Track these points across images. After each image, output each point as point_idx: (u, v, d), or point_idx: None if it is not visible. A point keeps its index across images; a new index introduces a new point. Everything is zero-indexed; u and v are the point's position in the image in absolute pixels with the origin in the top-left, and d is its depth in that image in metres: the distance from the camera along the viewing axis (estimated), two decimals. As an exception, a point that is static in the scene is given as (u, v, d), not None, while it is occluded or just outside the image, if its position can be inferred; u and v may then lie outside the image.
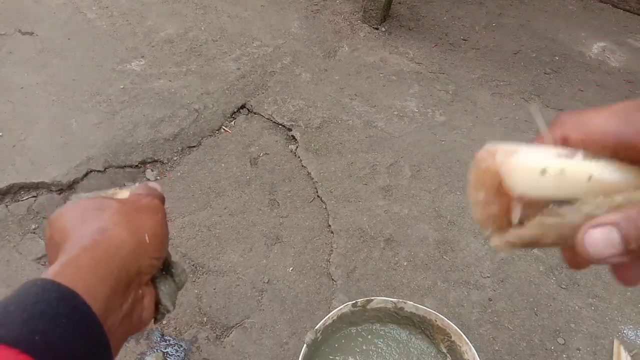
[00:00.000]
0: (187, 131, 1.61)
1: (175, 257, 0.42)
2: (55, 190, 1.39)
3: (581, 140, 0.24)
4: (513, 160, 0.22)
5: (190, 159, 1.54)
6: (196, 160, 1.53)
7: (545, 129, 0.24)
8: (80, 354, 0.27)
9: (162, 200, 0.41)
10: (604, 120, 0.23)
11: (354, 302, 0.98)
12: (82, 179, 1.43)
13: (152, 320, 0.39)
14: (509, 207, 0.23)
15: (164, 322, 1.16)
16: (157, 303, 0.38)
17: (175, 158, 1.53)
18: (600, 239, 0.24)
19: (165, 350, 1.12)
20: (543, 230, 0.23)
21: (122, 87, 1.73)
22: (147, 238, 0.34)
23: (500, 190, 0.23)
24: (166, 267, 0.40)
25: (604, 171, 0.22)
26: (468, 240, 1.39)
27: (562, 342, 1.19)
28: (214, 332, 1.16)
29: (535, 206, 0.23)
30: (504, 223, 0.24)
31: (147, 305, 0.35)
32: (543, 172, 0.22)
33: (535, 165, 0.22)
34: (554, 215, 0.22)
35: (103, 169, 1.46)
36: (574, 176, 0.22)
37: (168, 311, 0.39)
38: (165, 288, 0.39)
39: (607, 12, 2.46)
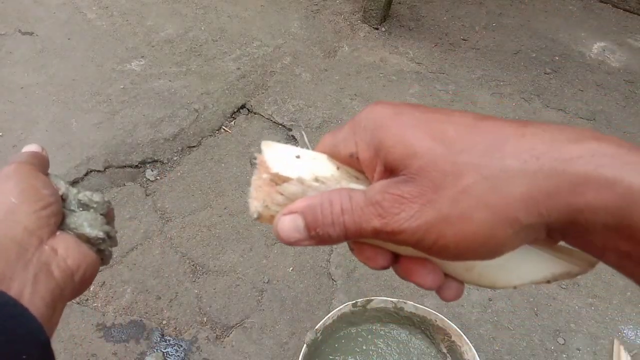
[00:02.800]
0: (187, 131, 1.61)
1: (86, 194, 0.39)
2: (55, 190, 1.39)
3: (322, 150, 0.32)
4: (272, 149, 0.30)
5: (190, 159, 1.54)
6: (196, 160, 1.53)
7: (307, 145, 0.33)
8: None
9: (28, 158, 0.37)
10: (324, 139, 0.31)
11: (354, 302, 0.98)
12: (82, 179, 1.43)
13: (99, 261, 0.37)
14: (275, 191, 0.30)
15: (165, 322, 1.17)
16: (88, 240, 0.35)
17: (175, 158, 1.53)
18: (288, 225, 0.28)
19: (165, 350, 1.12)
20: (287, 196, 0.29)
21: (122, 87, 1.73)
22: (14, 199, 0.32)
23: (270, 182, 0.30)
24: (69, 203, 0.37)
25: (326, 166, 0.30)
26: (468, 240, 1.38)
27: (562, 342, 1.19)
28: (214, 332, 1.16)
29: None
30: (265, 204, 0.30)
31: (65, 253, 0.33)
32: (297, 157, 0.30)
33: (291, 152, 0.30)
34: (294, 185, 0.29)
35: (103, 169, 1.46)
36: (310, 165, 0.30)
37: (101, 239, 0.36)
38: (75, 221, 0.35)
39: (607, 12, 2.46)
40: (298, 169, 0.29)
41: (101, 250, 0.37)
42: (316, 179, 0.29)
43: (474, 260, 0.25)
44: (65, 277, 0.32)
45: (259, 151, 0.31)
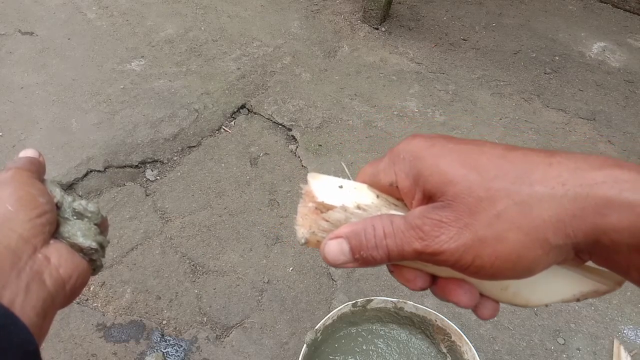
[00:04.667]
0: (187, 131, 1.61)
1: (87, 204, 0.39)
2: (55, 190, 1.39)
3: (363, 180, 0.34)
4: (318, 180, 0.33)
5: (190, 159, 1.54)
6: (196, 160, 1.53)
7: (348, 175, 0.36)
8: None
9: (25, 164, 0.37)
10: (364, 169, 0.34)
11: (354, 302, 0.98)
12: (82, 179, 1.43)
13: (90, 271, 0.36)
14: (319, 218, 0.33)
15: (165, 322, 1.17)
16: (81, 250, 0.35)
17: (175, 158, 1.53)
18: (334, 248, 0.30)
19: (165, 350, 1.12)
20: (332, 222, 0.32)
21: (122, 87, 1.73)
22: (10, 207, 0.32)
23: (315, 210, 0.32)
24: (64, 211, 0.37)
25: (367, 194, 0.32)
26: (468, 240, 1.38)
27: (562, 342, 1.19)
28: (214, 332, 1.16)
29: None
30: (312, 230, 0.33)
31: (58, 262, 0.33)
32: (340, 187, 0.33)
33: (335, 182, 0.33)
34: (338, 213, 0.31)
35: (103, 169, 1.46)
36: (352, 194, 0.32)
37: (94, 249, 0.36)
38: (69, 230, 0.35)
39: (607, 12, 2.46)
40: (341, 198, 0.32)
41: (93, 260, 0.37)
42: (358, 207, 0.31)
43: (508, 279, 0.27)
44: (57, 286, 0.32)
45: (305, 182, 0.34)
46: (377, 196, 0.32)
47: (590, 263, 0.28)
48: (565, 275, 0.30)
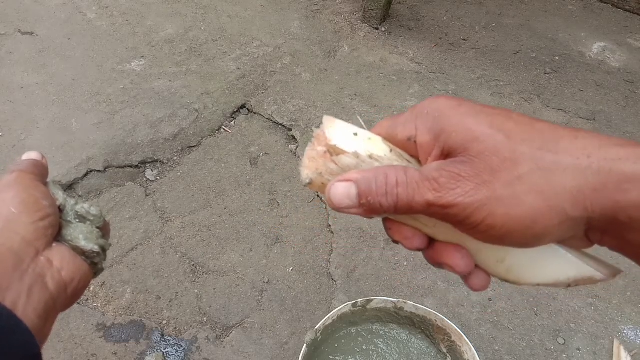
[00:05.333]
0: (187, 131, 1.61)
1: (90, 207, 0.39)
2: (55, 190, 1.39)
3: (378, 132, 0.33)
4: (335, 124, 0.33)
5: (190, 159, 1.54)
6: (196, 160, 1.53)
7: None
8: None
9: (28, 167, 0.38)
10: (382, 122, 0.33)
11: (354, 302, 0.98)
12: (82, 179, 1.43)
13: (91, 274, 0.37)
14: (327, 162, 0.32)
15: (165, 322, 1.17)
16: (83, 253, 0.36)
17: (175, 158, 1.53)
18: (341, 191, 0.30)
19: (165, 350, 1.12)
20: (341, 167, 0.31)
21: (122, 87, 1.73)
22: (13, 209, 0.32)
23: (324, 154, 0.32)
24: (67, 214, 0.37)
25: (380, 146, 0.32)
26: (468, 240, 1.38)
27: (562, 342, 1.19)
28: (214, 332, 1.16)
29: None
30: (318, 171, 0.32)
31: (60, 265, 0.33)
32: (355, 134, 0.32)
33: (350, 129, 0.33)
34: (349, 158, 0.31)
35: (103, 169, 1.46)
36: (366, 143, 0.32)
37: (96, 253, 0.36)
38: (72, 233, 0.36)
39: (607, 12, 2.46)
40: (355, 145, 0.32)
41: (94, 263, 0.37)
42: (371, 156, 0.31)
43: (513, 245, 0.27)
44: (59, 289, 0.32)
45: (318, 126, 0.33)
46: (391, 150, 0.32)
47: (591, 250, 0.28)
48: (563, 257, 0.30)
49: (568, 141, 0.25)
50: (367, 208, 0.29)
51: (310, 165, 0.32)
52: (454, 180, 0.26)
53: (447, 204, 0.27)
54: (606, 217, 0.24)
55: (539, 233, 0.26)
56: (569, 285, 0.30)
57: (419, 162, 0.31)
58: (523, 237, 0.26)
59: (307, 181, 0.33)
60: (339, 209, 0.30)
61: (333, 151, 0.32)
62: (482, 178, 0.26)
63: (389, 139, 0.32)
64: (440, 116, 0.29)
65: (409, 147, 0.31)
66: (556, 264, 0.30)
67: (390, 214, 0.30)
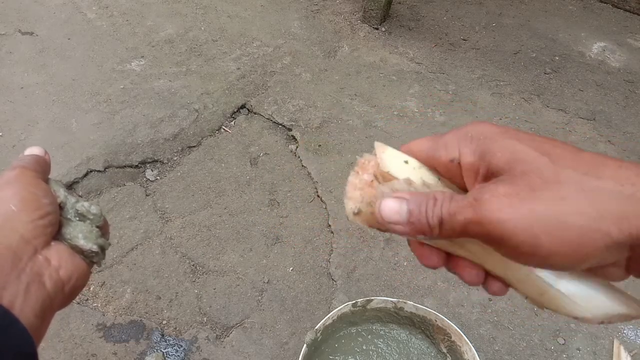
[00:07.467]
0: (187, 131, 1.61)
1: (91, 207, 0.38)
2: (55, 190, 1.38)
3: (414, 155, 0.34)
4: (387, 151, 0.34)
5: (190, 159, 1.54)
6: (196, 160, 1.53)
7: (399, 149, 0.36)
8: None
9: (30, 163, 0.37)
10: (419, 143, 0.34)
11: (354, 302, 0.98)
12: (82, 179, 1.43)
13: (89, 273, 0.36)
14: (374, 193, 0.32)
15: (165, 322, 1.17)
16: (81, 252, 0.36)
17: (175, 158, 1.53)
18: (393, 205, 0.30)
19: (165, 350, 1.12)
20: (391, 192, 0.32)
21: (122, 87, 1.73)
22: (13, 207, 0.32)
23: (370, 183, 0.33)
24: (67, 212, 0.37)
25: (429, 175, 0.33)
26: (468, 240, 1.38)
27: (562, 342, 1.19)
28: (214, 332, 1.16)
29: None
30: (367, 200, 0.33)
31: (58, 264, 0.33)
32: (406, 162, 0.33)
33: (401, 157, 0.33)
34: (401, 185, 0.31)
35: (103, 169, 1.46)
36: (415, 170, 0.33)
37: (95, 252, 0.36)
38: (71, 231, 0.35)
39: (607, 12, 2.46)
40: (406, 172, 0.33)
41: (93, 262, 0.37)
42: (423, 183, 0.32)
43: (553, 268, 0.27)
44: (56, 288, 0.32)
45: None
46: (439, 179, 0.32)
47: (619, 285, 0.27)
48: (605, 294, 0.29)
49: (612, 169, 0.25)
50: (414, 227, 0.29)
51: (355, 196, 0.32)
52: (494, 197, 0.26)
53: (485, 220, 0.26)
54: None
55: (583, 255, 0.25)
56: (602, 322, 0.30)
57: (465, 190, 0.31)
58: (567, 258, 0.25)
59: (355, 211, 0.32)
60: (385, 224, 0.30)
61: (384, 178, 0.32)
62: (522, 195, 0.26)
63: (431, 160, 0.33)
64: (486, 139, 0.29)
65: (451, 169, 0.31)
66: (598, 300, 0.29)
67: (435, 236, 0.30)
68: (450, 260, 0.33)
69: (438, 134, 0.33)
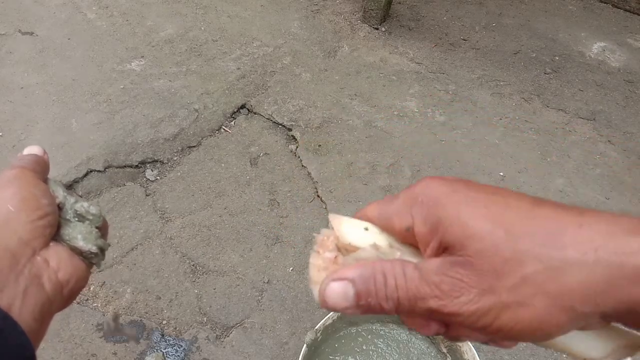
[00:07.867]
0: (187, 131, 1.61)
1: (86, 206, 0.37)
2: (55, 190, 1.38)
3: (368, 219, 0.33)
4: (344, 222, 0.32)
5: (190, 159, 1.54)
6: (196, 160, 1.53)
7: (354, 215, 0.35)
8: None
9: (29, 163, 0.37)
10: (373, 208, 0.32)
11: (354, 302, 0.98)
12: (82, 179, 1.43)
13: (88, 274, 0.36)
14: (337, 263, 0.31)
15: (165, 322, 1.17)
16: (81, 253, 0.35)
17: (175, 158, 1.53)
18: (337, 291, 0.28)
19: (165, 350, 1.12)
20: (352, 262, 0.30)
21: (122, 87, 1.73)
22: (11, 207, 0.31)
23: (334, 260, 0.31)
24: (66, 212, 0.36)
25: (391, 238, 0.31)
26: (468, 240, 1.38)
27: (562, 342, 1.19)
28: (214, 332, 1.16)
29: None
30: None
31: (57, 266, 0.33)
32: (366, 229, 0.31)
33: (360, 224, 0.32)
34: (367, 252, 0.30)
35: (103, 169, 1.46)
36: (378, 235, 0.31)
37: (94, 253, 0.36)
38: (70, 232, 0.35)
39: (607, 12, 2.46)
40: (370, 238, 0.31)
41: (92, 263, 0.36)
42: (391, 246, 0.30)
43: (525, 342, 0.27)
44: (55, 290, 0.32)
45: (317, 231, 0.32)
46: (401, 242, 0.31)
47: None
48: (603, 331, 0.29)
49: (572, 232, 0.24)
50: (366, 309, 0.28)
51: (321, 278, 0.30)
52: (457, 287, 0.25)
53: (450, 313, 0.26)
54: (620, 310, 0.23)
55: (547, 332, 0.25)
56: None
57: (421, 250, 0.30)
58: (532, 337, 0.26)
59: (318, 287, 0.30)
60: (334, 310, 0.28)
61: (347, 250, 0.30)
62: (487, 283, 0.25)
63: (386, 227, 0.31)
64: (435, 205, 0.28)
65: (408, 237, 0.30)
66: (598, 342, 0.29)
67: (392, 314, 0.29)
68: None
69: (389, 197, 0.31)
